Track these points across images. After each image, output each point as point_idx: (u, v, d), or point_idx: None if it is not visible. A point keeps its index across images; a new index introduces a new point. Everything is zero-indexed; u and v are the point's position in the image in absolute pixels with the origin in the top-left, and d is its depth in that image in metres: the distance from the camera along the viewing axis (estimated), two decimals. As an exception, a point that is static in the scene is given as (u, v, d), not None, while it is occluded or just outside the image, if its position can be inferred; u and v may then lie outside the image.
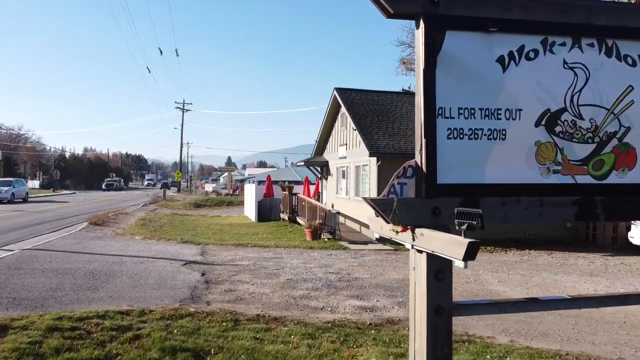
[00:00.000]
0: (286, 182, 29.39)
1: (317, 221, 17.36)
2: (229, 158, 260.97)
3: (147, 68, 36.55)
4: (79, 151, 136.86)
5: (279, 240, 17.16)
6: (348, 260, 12.70)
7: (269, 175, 30.56)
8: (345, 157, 20.81)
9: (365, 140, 17.54)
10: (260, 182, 41.28)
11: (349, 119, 19.46)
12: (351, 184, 20.11)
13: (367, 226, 18.04)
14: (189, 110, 74.19)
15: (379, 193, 16.54)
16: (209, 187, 75.53)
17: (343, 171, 21.52)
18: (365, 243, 16.51)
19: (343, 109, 20.80)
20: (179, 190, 73.65)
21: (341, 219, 20.68)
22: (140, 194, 64.40)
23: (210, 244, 15.13)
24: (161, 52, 32.24)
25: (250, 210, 27.80)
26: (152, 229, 18.99)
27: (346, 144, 20.71)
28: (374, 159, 17.22)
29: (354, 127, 18.43)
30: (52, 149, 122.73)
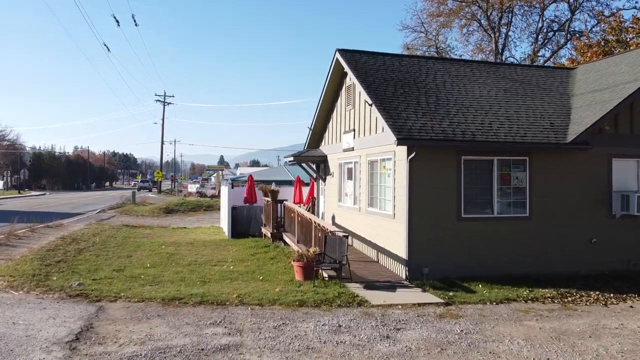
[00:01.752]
0: (272, 184, 22.84)
1: (312, 249, 10.84)
2: (222, 157, 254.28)
3: (105, 45, 29.47)
4: (69, 150, 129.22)
5: (251, 280, 10.65)
6: (375, 349, 6.21)
7: (250, 175, 24.01)
8: (352, 149, 14.31)
9: (389, 120, 11.04)
10: (235, 182, 34.57)
11: (360, 91, 12.97)
12: (362, 188, 13.60)
13: (388, 253, 11.55)
14: (170, 103, 67.33)
15: (411, 203, 9.99)
16: (192, 187, 68.51)
17: (349, 168, 15.01)
18: (392, 287, 10.02)
19: (350, 78, 14.27)
20: (159, 192, 66.84)
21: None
22: (114, 195, 57.42)
23: (122, 297, 8.54)
24: (118, 23, 25.49)
25: (224, 220, 21.24)
26: (54, 259, 12.35)
27: (354, 130, 14.21)
28: (403, 149, 10.74)
29: (369, 101, 11.93)
30: (39, 148, 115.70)
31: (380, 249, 12.23)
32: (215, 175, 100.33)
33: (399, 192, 11.11)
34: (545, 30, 39.82)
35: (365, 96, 12.35)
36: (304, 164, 17.90)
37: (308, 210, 18.76)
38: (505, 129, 11.56)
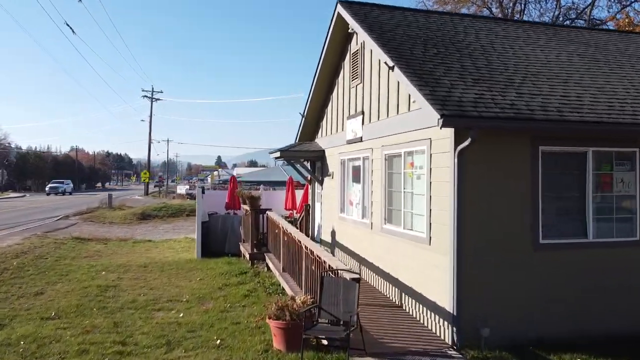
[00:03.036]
0: (260, 188, 18.78)
1: (300, 297, 6.67)
2: (219, 157, 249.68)
3: (67, 25, 25.20)
4: (65, 151, 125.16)
5: (201, 347, 6.51)
6: None
7: (232, 177, 19.89)
8: (360, 139, 10.16)
9: (425, 88, 6.89)
10: (225, 185, 30.37)
11: (372, 49, 8.89)
12: (376, 195, 9.43)
13: (419, 297, 7.43)
14: (159, 99, 63.03)
15: (461, 222, 5.87)
16: (182, 188, 64.01)
17: (355, 167, 10.87)
18: (435, 368, 5.86)
19: (358, 39, 10.18)
20: (146, 193, 62.61)
21: (350, 260, 10.11)
22: (99, 197, 53.15)
23: None
24: (80, -2, 21.56)
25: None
26: None
27: (363, 113, 10.06)
28: (447, 134, 6.62)
29: (390, 63, 7.77)
30: (35, 148, 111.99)
31: (405, 289, 8.06)
32: (210, 176, 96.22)
33: (439, 203, 6.96)
34: (562, 19, 35.90)
35: (381, 56, 8.19)
36: (293, 161, 13.73)
37: (300, 221, 14.62)
38: (603, 105, 7.41)
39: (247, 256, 12.52)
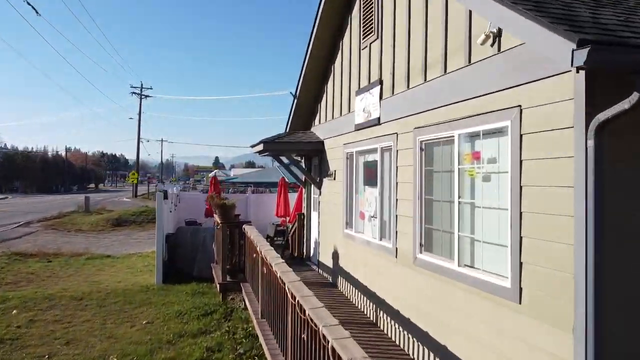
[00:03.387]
0: (248, 190, 15.57)
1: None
2: (217, 158, 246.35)
3: (28, 3, 21.52)
4: (62, 151, 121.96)
5: None
6: None
7: (213, 177, 16.65)
8: (377, 121, 6.81)
9: (526, 2, 3.56)
10: (193, 183, 26.85)
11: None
12: (404, 207, 6.07)
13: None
14: (148, 96, 59.66)
15: (605, 276, 2.44)
16: (171, 190, 60.57)
17: (368, 163, 7.51)
18: None
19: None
20: (135, 196, 59.16)
21: (360, 299, 6.78)
22: (80, 200, 49.81)
23: None
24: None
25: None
26: None
27: (381, 82, 6.72)
28: (571, 91, 3.26)
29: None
30: (32, 149, 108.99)
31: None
32: (205, 177, 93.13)
33: (545, 226, 3.62)
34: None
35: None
36: (283, 158, 10.36)
37: (292, 235, 11.29)
38: None
39: (218, 284, 9.15)
